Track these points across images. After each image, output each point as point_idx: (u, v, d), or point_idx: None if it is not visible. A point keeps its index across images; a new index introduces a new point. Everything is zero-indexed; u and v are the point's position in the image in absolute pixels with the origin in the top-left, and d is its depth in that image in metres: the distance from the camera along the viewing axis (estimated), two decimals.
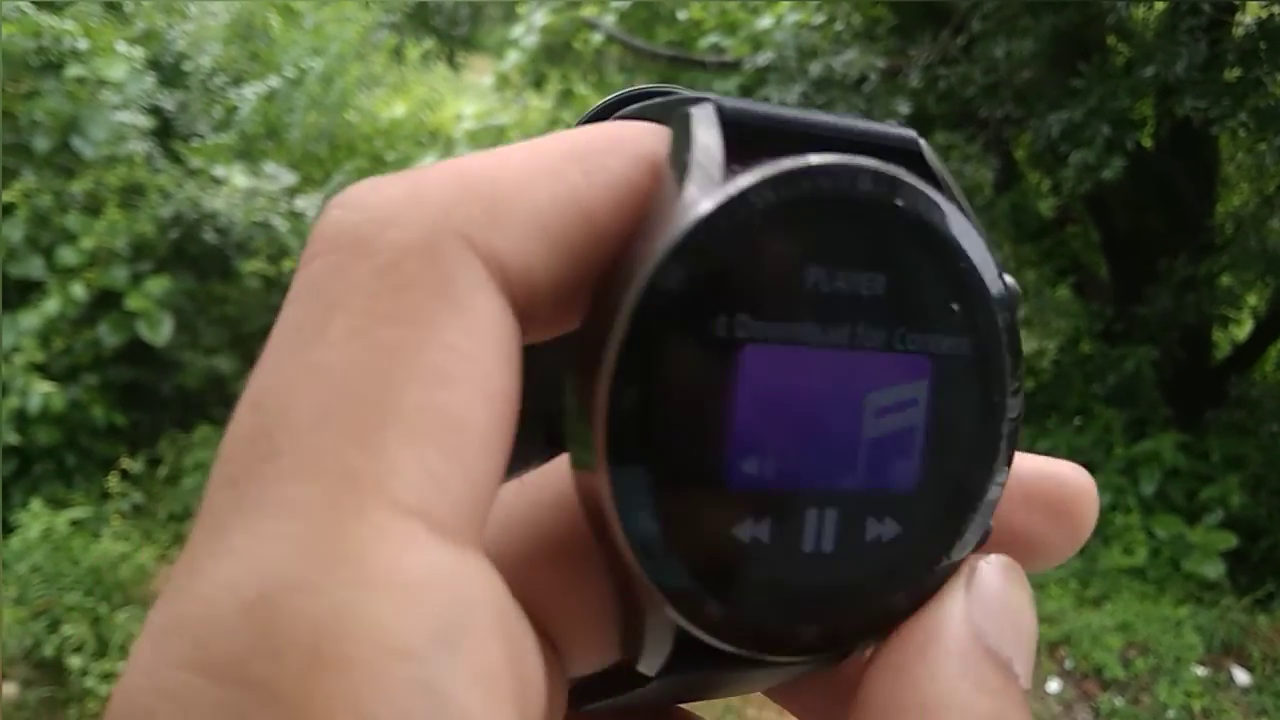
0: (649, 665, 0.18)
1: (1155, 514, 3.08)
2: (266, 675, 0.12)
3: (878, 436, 0.18)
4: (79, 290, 3.17)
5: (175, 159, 3.67)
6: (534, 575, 0.18)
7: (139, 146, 3.48)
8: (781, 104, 0.18)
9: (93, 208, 3.32)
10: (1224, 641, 2.68)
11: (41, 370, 3.10)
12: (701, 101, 0.18)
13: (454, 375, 0.14)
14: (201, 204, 3.47)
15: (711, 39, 4.05)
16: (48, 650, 2.44)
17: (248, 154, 4.02)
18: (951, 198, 0.19)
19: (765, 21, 3.63)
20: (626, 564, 0.17)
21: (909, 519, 0.19)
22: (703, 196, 0.17)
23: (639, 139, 0.18)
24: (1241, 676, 2.61)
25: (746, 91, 3.69)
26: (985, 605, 0.19)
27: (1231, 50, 2.65)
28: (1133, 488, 3.12)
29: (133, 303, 3.23)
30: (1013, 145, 3.64)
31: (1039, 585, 2.84)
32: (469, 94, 5.81)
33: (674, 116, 0.18)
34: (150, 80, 3.73)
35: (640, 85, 0.22)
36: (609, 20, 4.24)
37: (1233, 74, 2.67)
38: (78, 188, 3.29)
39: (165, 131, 3.82)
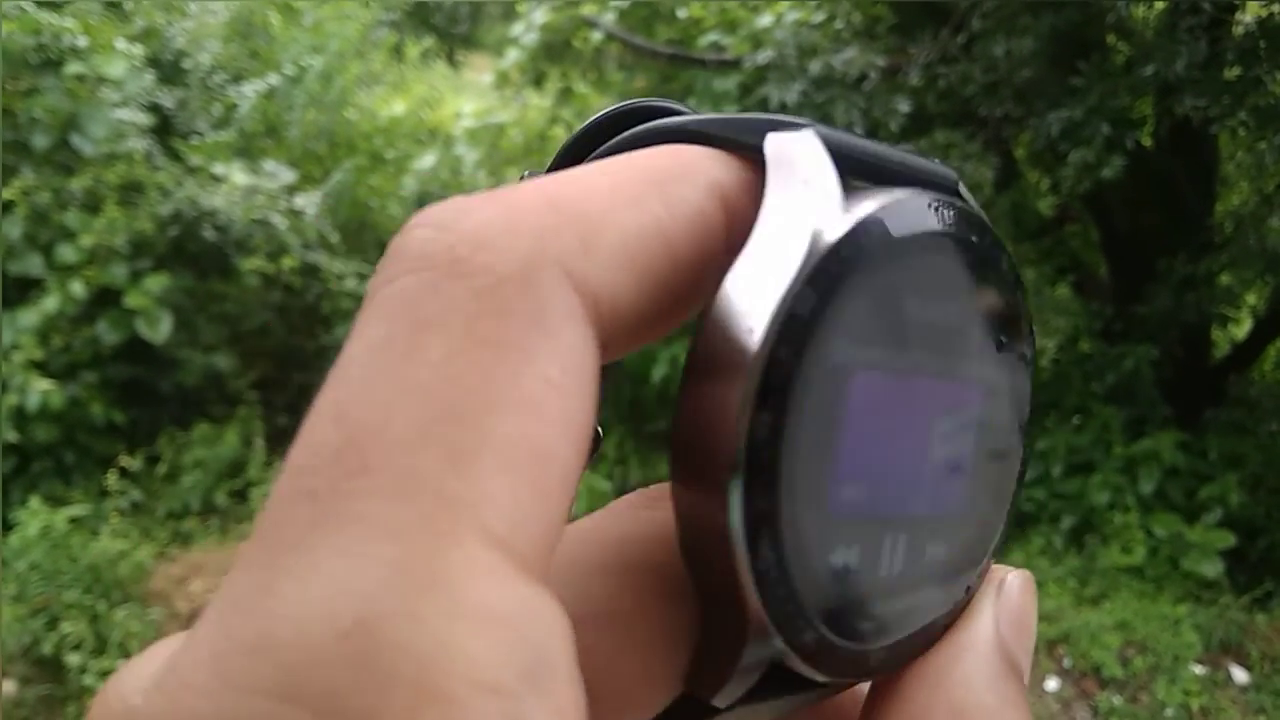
0: (725, 698, 0.18)
1: (1154, 513, 3.08)
2: (369, 709, 0.12)
3: (938, 462, 0.19)
4: (78, 288, 3.17)
5: (174, 156, 3.67)
6: (582, 629, 0.18)
7: (138, 144, 3.47)
8: (848, 130, 0.18)
9: (92, 205, 3.31)
10: (1222, 640, 2.68)
11: (40, 368, 3.10)
12: (800, 127, 0.18)
13: (545, 407, 0.14)
14: (201, 202, 3.47)
15: (711, 37, 4.04)
16: (46, 648, 2.44)
17: (247, 152, 4.02)
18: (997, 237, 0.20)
19: (765, 20, 3.62)
20: (739, 594, 0.16)
21: (955, 539, 0.20)
22: (827, 223, 0.17)
23: (708, 167, 0.18)
24: (1240, 675, 2.61)
25: (746, 90, 3.69)
26: (1009, 619, 0.20)
27: (1231, 49, 2.65)
28: (1131, 486, 3.12)
29: (132, 300, 3.23)
30: (1012, 144, 3.63)
31: (1038, 584, 2.84)
32: (468, 92, 5.81)
33: (779, 140, 0.18)
34: (150, 78, 3.73)
35: (639, 100, 0.22)
36: (609, 18, 4.24)
37: (1232, 73, 2.67)
38: (77, 185, 3.29)
39: (164, 129, 3.82)
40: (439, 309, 0.14)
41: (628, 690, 0.18)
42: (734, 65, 3.75)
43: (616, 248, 0.16)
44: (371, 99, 4.81)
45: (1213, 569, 2.90)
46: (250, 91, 4.17)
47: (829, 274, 0.16)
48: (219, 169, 3.66)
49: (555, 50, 4.32)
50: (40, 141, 3.28)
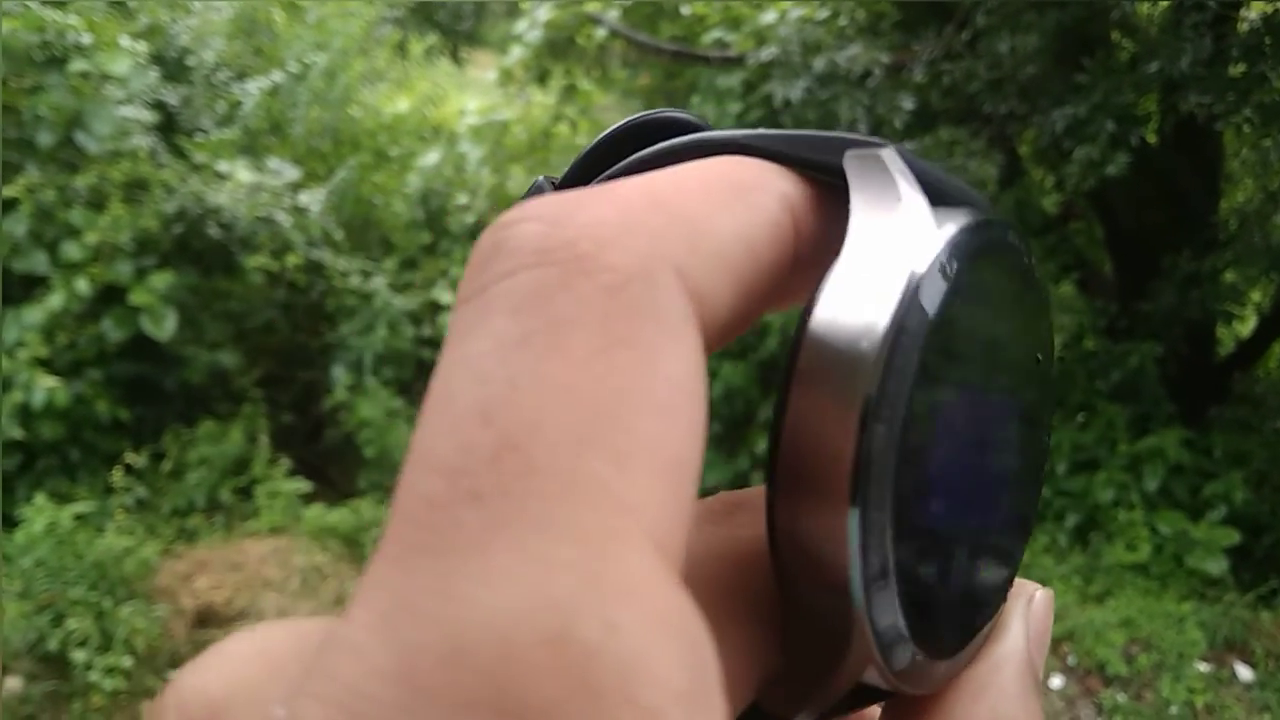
0: (809, 714, 0.18)
1: (1159, 510, 3.08)
2: None
3: (993, 475, 0.20)
4: (83, 285, 3.17)
5: (179, 154, 3.67)
6: None
7: (143, 141, 3.48)
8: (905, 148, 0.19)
9: (96, 203, 3.32)
10: (1227, 638, 2.68)
11: (45, 365, 3.10)
12: (879, 145, 0.18)
13: (676, 408, 0.14)
14: (205, 199, 3.47)
15: (715, 34, 4.04)
16: (51, 644, 2.44)
17: (251, 149, 4.02)
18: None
19: (769, 16, 3.62)
20: (844, 610, 0.16)
21: (1001, 551, 0.20)
22: (926, 239, 0.17)
23: (776, 179, 0.18)
24: (1244, 673, 2.61)
25: (750, 87, 3.69)
26: (1036, 634, 0.21)
27: (1236, 46, 2.65)
28: (1136, 484, 3.12)
29: (136, 298, 3.24)
30: (1017, 141, 3.63)
31: (1043, 581, 2.83)
32: (472, 89, 5.80)
33: (859, 158, 0.18)
34: (154, 75, 3.73)
35: (659, 111, 0.21)
36: (613, 15, 4.24)
37: (1237, 69, 2.66)
38: (81, 183, 3.29)
39: (169, 126, 3.82)
40: (574, 307, 0.14)
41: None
42: (738, 62, 3.75)
43: (715, 251, 0.16)
44: (375, 96, 4.80)
45: (1217, 566, 2.90)
46: (254, 89, 4.17)
47: (933, 289, 0.16)
48: (223, 166, 3.66)
49: (559, 47, 4.32)
50: (45, 139, 3.28)
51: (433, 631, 0.12)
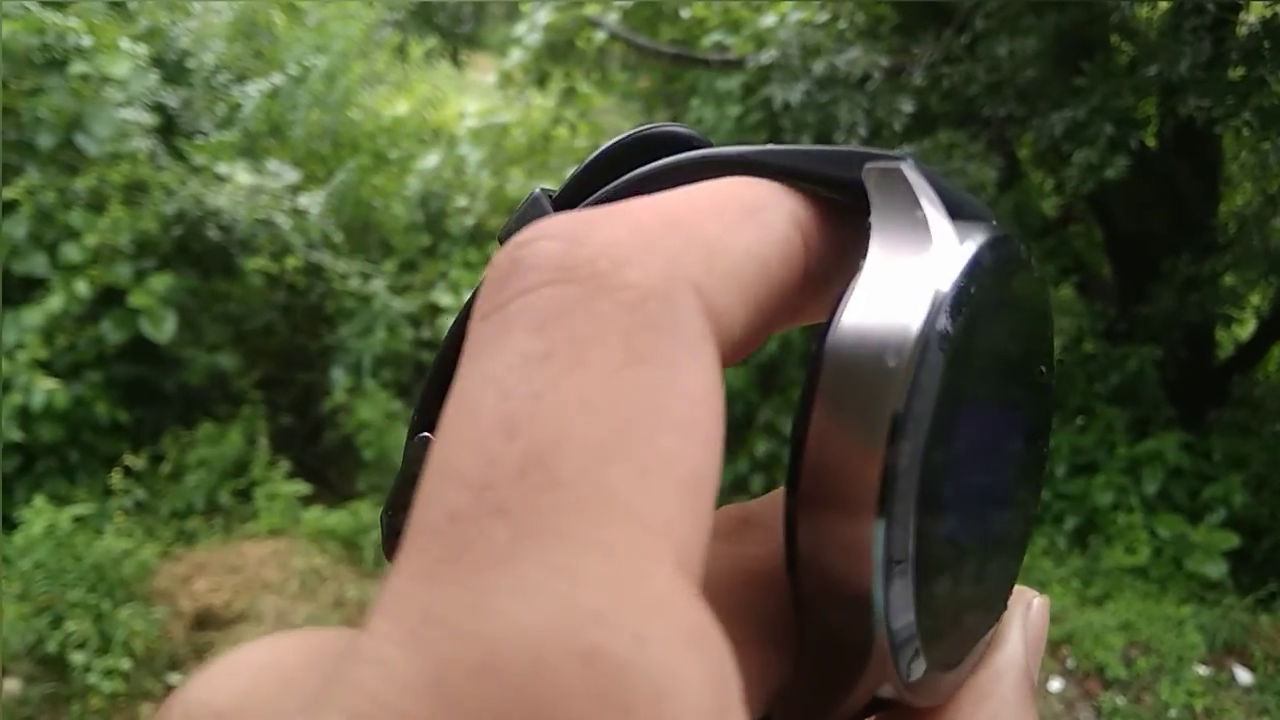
0: None
1: (1158, 513, 3.08)
2: None
3: (999, 487, 0.20)
4: (82, 287, 3.17)
5: (179, 156, 3.67)
6: None
7: (142, 143, 3.48)
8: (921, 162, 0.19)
9: (96, 205, 3.32)
10: (1226, 641, 2.68)
11: (45, 367, 3.10)
12: (898, 159, 0.18)
13: (696, 424, 0.14)
14: (205, 201, 3.47)
15: (715, 37, 4.04)
16: (50, 646, 2.44)
17: (251, 151, 4.02)
18: None
19: (769, 20, 3.62)
20: (865, 624, 0.16)
21: (1001, 561, 0.21)
22: (949, 253, 0.17)
23: (786, 198, 0.18)
24: (1244, 676, 2.61)
25: (749, 90, 3.69)
26: (1032, 642, 0.21)
27: (1235, 49, 2.65)
28: (1135, 487, 3.12)
29: (136, 300, 3.24)
30: (1016, 144, 3.63)
31: (1041, 584, 2.84)
32: (472, 92, 5.80)
33: (879, 172, 0.18)
34: (154, 77, 3.73)
35: (658, 126, 0.21)
36: (612, 18, 4.24)
37: (1236, 73, 2.67)
38: (81, 185, 3.29)
39: (169, 129, 3.82)
40: (595, 323, 0.14)
41: None
42: (737, 65, 3.75)
43: (730, 270, 0.16)
44: (375, 99, 4.81)
45: (1216, 570, 2.90)
46: (254, 91, 4.17)
47: (957, 303, 0.16)
48: (223, 169, 3.66)
49: (559, 50, 4.32)
50: (44, 141, 3.28)
51: (462, 644, 0.11)
